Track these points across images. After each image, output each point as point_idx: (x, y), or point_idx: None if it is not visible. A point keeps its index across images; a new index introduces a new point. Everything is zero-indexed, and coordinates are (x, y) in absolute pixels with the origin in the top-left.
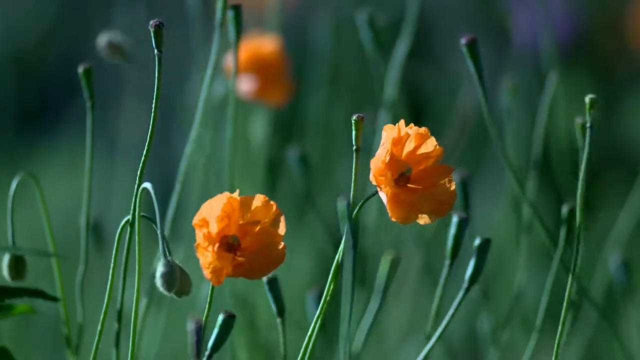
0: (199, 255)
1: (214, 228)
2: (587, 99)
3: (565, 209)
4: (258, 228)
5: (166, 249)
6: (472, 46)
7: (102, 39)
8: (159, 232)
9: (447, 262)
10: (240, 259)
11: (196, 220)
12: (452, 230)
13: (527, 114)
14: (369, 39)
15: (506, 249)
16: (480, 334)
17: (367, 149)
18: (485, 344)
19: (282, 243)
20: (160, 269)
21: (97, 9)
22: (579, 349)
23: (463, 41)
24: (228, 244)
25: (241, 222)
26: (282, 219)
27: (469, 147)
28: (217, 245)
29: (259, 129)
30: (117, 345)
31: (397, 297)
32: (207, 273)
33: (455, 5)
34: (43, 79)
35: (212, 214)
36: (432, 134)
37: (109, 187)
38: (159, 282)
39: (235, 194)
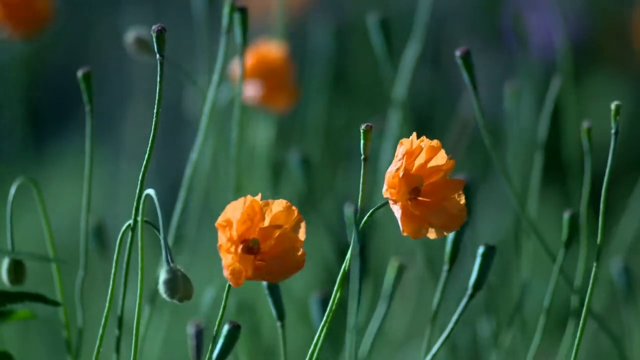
0: (221, 255)
1: (236, 230)
2: (612, 106)
3: (566, 215)
4: (279, 233)
5: (169, 256)
6: (466, 58)
7: (130, 35)
8: (162, 239)
9: (445, 267)
10: (260, 262)
11: (220, 221)
12: (450, 235)
13: (537, 118)
14: (379, 42)
15: (510, 253)
16: (482, 337)
17: (371, 154)
18: (487, 348)
19: (302, 249)
20: (163, 276)
21: (103, 12)
22: (580, 352)
23: (457, 53)
24: (248, 247)
25: (262, 225)
26: (303, 224)
27: (474, 151)
28: (239, 247)
29: (262, 133)
30: (117, 350)
31: (400, 299)
32: (227, 274)
33: (461, 10)
34: (50, 83)
35: (235, 215)
36: (435, 139)
37: (115, 191)
38: (162, 289)
39: (258, 197)
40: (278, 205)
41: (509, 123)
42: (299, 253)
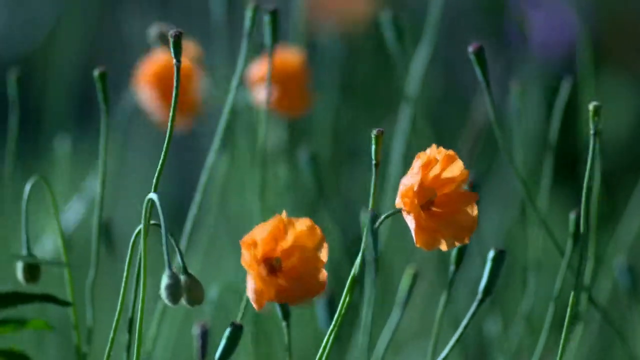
0: (248, 274)
1: (260, 249)
2: (590, 106)
3: (572, 216)
4: (301, 253)
5: (171, 261)
6: (479, 54)
7: (154, 30)
8: (164, 245)
9: (452, 268)
10: (282, 282)
11: (246, 239)
12: None
13: (543, 116)
14: (392, 40)
15: (515, 251)
16: (488, 335)
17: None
18: (493, 348)
19: (324, 271)
20: (164, 281)
21: (110, 9)
22: (584, 352)
23: (470, 49)
24: (271, 266)
25: (285, 244)
26: (326, 245)
27: (480, 151)
28: (262, 267)
29: (275, 135)
30: (127, 352)
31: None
32: (250, 295)
33: (464, 9)
34: (55, 82)
35: (262, 235)
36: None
37: (126, 191)
38: (163, 294)
39: (283, 215)
40: (302, 224)
41: (515, 121)
42: (321, 274)
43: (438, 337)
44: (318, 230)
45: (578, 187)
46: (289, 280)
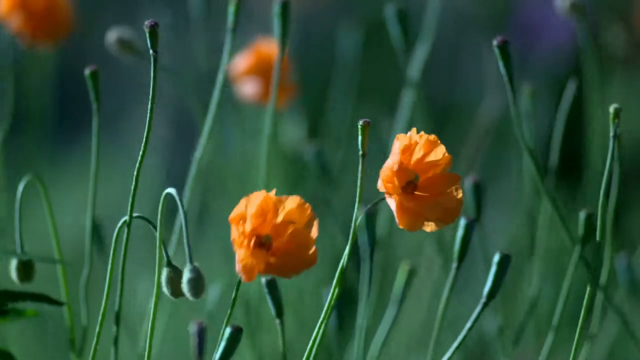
0: (234, 249)
1: (248, 225)
2: (611, 109)
3: (582, 215)
4: (291, 229)
5: (192, 255)
6: (503, 47)
7: (111, 35)
8: (185, 238)
9: (454, 265)
10: (272, 258)
11: (233, 215)
12: (460, 232)
13: (549, 118)
14: (396, 34)
15: (518, 255)
16: (490, 340)
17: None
18: (496, 351)
19: (314, 246)
20: (187, 275)
21: (118, 8)
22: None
23: (495, 42)
24: (261, 243)
25: (275, 221)
26: (316, 222)
27: (486, 155)
28: (251, 242)
29: (289, 133)
30: (115, 346)
31: (413, 302)
32: (239, 268)
33: (468, 9)
34: (61, 83)
35: (249, 210)
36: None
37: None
38: (185, 287)
39: (272, 193)
40: (291, 202)
41: (524, 122)
42: (311, 250)
43: (438, 337)
44: (308, 207)
45: (582, 187)
46: (279, 257)
